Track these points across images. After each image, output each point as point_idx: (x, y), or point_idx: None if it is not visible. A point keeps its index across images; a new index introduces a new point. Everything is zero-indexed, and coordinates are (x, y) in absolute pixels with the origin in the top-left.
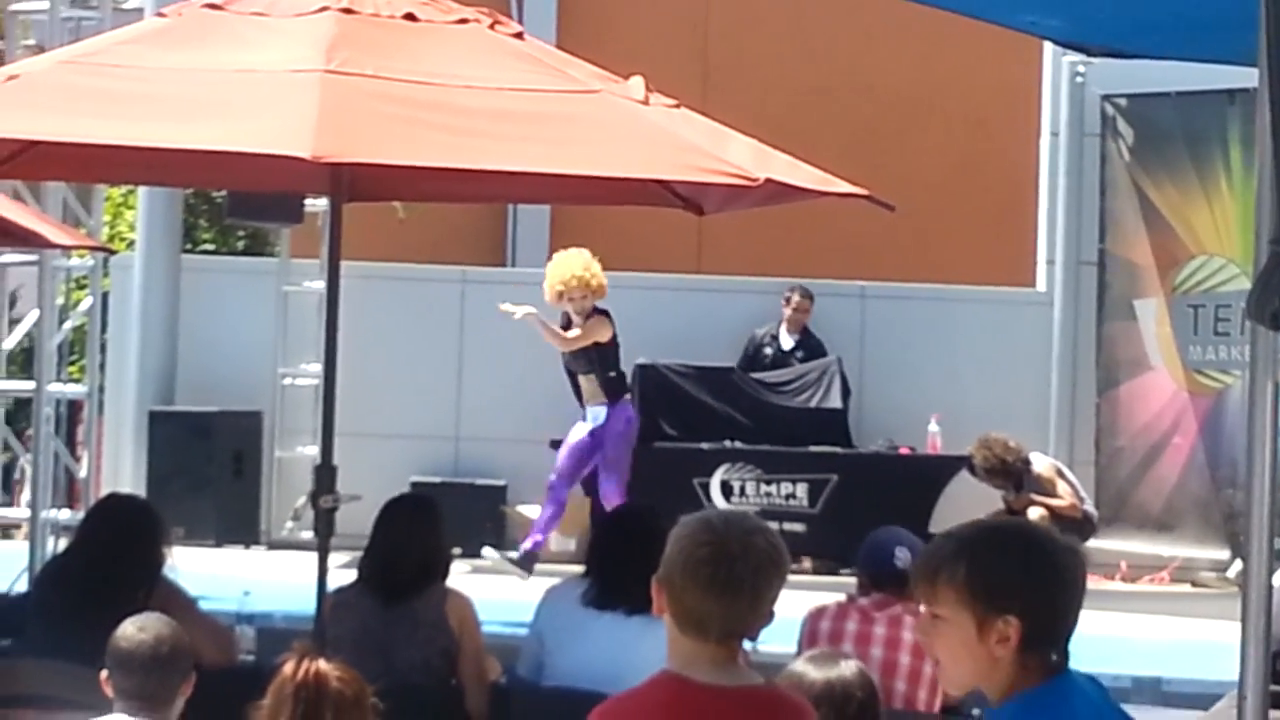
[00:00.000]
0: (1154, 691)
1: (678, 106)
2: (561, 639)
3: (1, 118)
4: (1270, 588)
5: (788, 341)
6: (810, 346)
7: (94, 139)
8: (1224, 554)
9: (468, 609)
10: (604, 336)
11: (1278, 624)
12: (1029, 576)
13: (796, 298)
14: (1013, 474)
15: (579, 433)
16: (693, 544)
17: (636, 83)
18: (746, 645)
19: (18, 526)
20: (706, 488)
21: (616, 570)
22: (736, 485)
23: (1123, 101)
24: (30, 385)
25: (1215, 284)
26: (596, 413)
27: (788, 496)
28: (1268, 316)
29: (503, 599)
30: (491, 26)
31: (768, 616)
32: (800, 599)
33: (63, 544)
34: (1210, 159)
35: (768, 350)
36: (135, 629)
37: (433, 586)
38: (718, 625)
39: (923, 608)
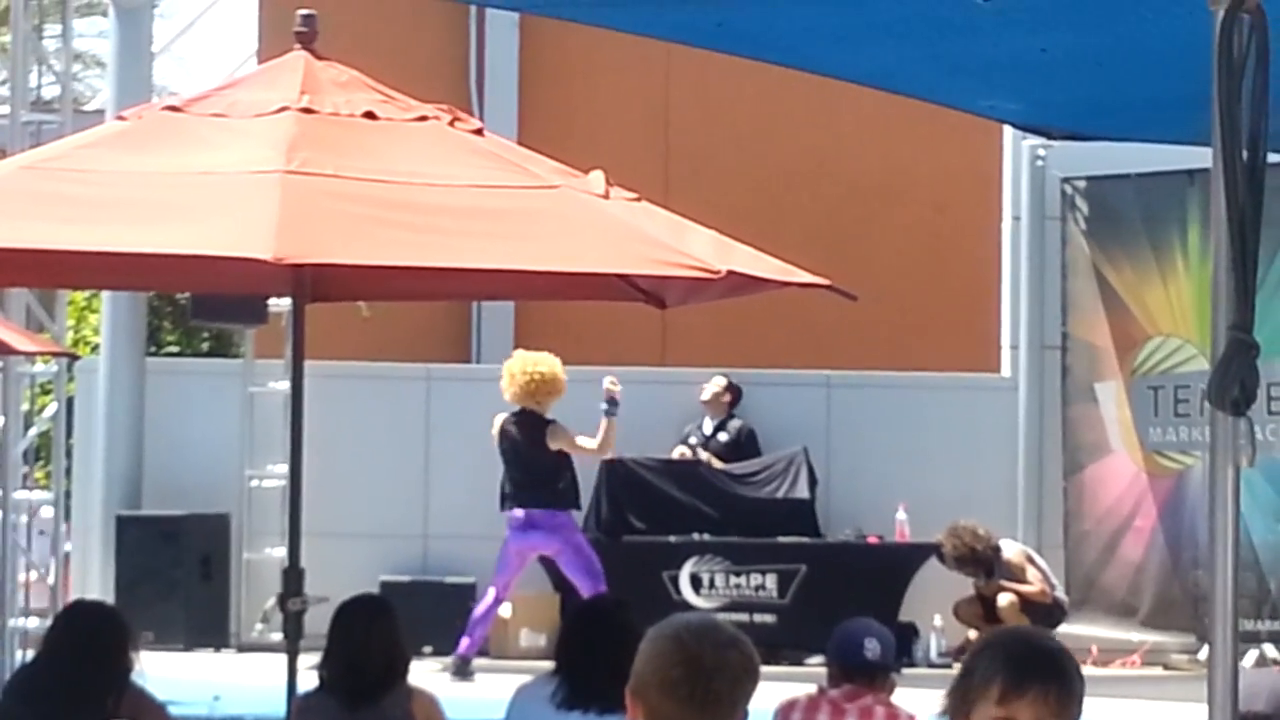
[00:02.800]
0: None
1: (638, 200)
2: None
3: None
4: (1236, 671)
5: (708, 427)
6: (729, 426)
7: (55, 245)
8: (1192, 636)
9: (434, 708)
10: None
11: (1245, 705)
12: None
13: (715, 384)
14: (983, 562)
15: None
16: (667, 663)
17: (596, 177)
18: None
19: None
20: (676, 580)
21: (587, 670)
22: (706, 577)
23: (1082, 183)
24: None
25: (1173, 365)
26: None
27: (757, 588)
28: (1229, 403)
29: (471, 697)
30: (451, 123)
31: (742, 717)
32: (771, 691)
33: (31, 653)
34: (1167, 239)
35: (693, 440)
36: None
37: (397, 686)
38: None
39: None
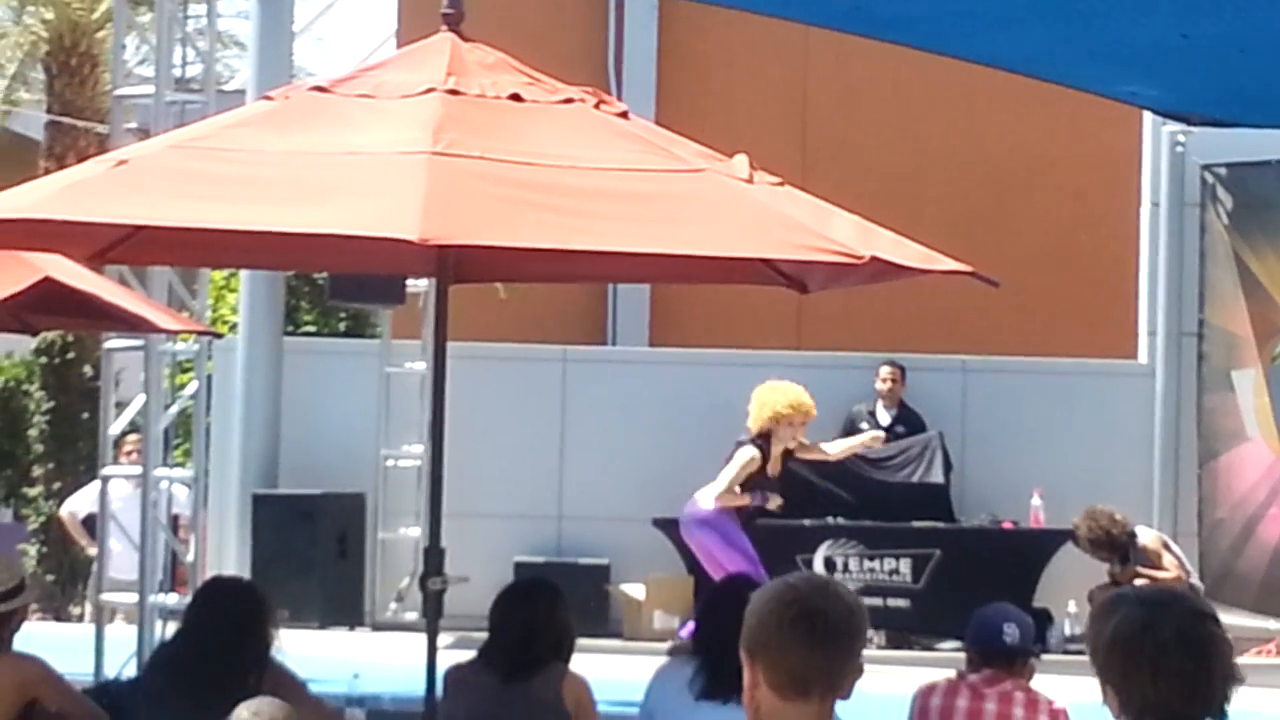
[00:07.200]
0: None
1: (782, 184)
2: None
3: (110, 203)
4: None
5: (885, 417)
6: (908, 420)
7: (201, 223)
8: None
9: (585, 691)
10: None
11: None
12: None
13: (887, 371)
14: (1118, 546)
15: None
16: (781, 605)
17: (740, 161)
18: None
19: None
20: (810, 564)
21: (725, 655)
22: (840, 561)
23: (1222, 170)
24: (137, 470)
25: None
26: None
27: (891, 572)
28: None
29: (611, 677)
30: (597, 106)
31: (859, 670)
32: (905, 675)
33: (170, 629)
34: None
35: (865, 426)
36: (249, 713)
37: (553, 667)
38: (821, 680)
39: None
